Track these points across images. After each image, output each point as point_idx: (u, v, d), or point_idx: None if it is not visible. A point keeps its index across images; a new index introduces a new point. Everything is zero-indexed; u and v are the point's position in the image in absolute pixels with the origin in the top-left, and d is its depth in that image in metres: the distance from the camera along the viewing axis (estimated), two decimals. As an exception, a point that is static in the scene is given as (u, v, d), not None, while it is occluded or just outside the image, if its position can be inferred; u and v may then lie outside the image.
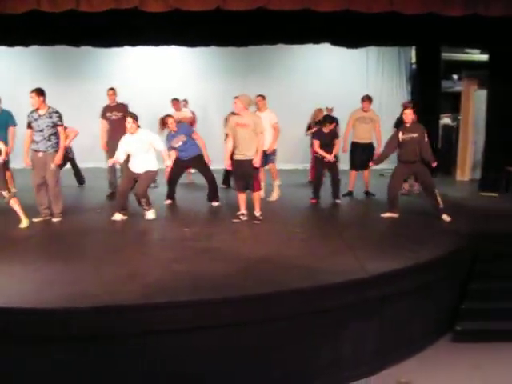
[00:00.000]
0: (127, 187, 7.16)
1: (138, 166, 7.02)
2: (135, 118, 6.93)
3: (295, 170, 12.21)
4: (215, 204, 8.08)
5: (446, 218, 6.95)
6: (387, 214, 7.22)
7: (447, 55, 11.86)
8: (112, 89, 8.73)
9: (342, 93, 11.55)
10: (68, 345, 3.98)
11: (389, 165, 12.39)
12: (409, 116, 7.05)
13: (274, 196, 8.56)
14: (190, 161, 8.20)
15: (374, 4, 6.86)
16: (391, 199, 7.26)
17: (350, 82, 12.43)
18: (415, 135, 6.99)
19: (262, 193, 7.39)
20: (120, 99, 8.79)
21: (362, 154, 8.76)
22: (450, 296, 5.90)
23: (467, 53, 12.36)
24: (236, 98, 7.00)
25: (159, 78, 12.57)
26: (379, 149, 8.64)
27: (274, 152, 8.54)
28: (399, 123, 9.60)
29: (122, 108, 8.58)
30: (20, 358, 3.97)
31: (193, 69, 12.76)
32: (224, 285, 4.49)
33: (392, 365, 5.04)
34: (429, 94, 10.94)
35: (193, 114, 10.88)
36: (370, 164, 8.01)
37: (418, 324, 5.42)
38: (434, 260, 5.38)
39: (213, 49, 10.69)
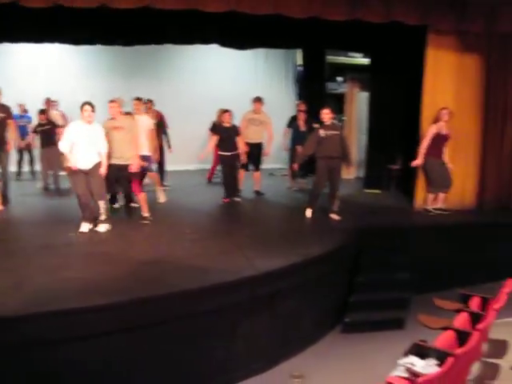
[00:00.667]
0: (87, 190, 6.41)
1: (86, 161, 6.30)
2: (93, 106, 6.29)
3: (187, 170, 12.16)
4: None
5: (334, 217, 7.18)
6: (309, 211, 7.28)
7: (332, 58, 12.31)
8: None
9: (233, 93, 11.58)
10: None
11: (279, 164, 12.77)
12: (327, 115, 7.18)
13: (161, 198, 8.38)
14: None
15: (259, 6, 6.99)
16: (315, 196, 7.33)
17: (240, 83, 12.52)
18: (336, 132, 7.15)
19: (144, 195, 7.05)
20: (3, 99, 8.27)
21: (252, 154, 8.84)
22: (339, 289, 6.12)
23: (351, 56, 12.89)
24: (112, 101, 6.79)
25: (39, 76, 11.94)
26: (269, 148, 8.84)
27: (149, 159, 7.95)
28: (292, 123, 9.89)
29: (5, 109, 8.08)
30: None
31: (74, 67, 12.28)
32: (113, 289, 4.37)
33: (286, 359, 5.15)
34: (314, 96, 11.28)
35: (63, 115, 10.53)
36: (294, 167, 8.14)
37: (309, 318, 5.57)
38: (322, 255, 5.56)
39: (98, 47, 10.36)
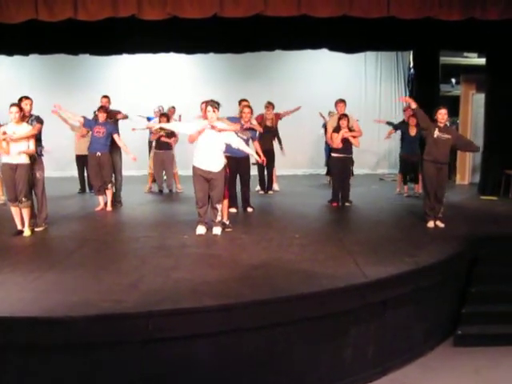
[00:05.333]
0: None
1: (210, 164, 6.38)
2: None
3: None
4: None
5: (439, 224, 6.91)
6: (431, 222, 6.92)
7: (445, 59, 11.91)
8: (106, 96, 8.76)
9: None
10: (68, 354, 3.97)
11: (389, 169, 12.55)
12: (444, 116, 6.85)
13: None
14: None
15: (371, 9, 6.88)
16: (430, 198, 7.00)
17: (349, 87, 12.42)
18: (449, 136, 6.83)
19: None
20: (114, 107, 8.83)
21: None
22: (451, 300, 5.89)
23: (465, 56, 12.40)
24: (205, 103, 6.67)
25: (156, 84, 12.59)
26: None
27: None
28: (400, 126, 9.65)
29: (114, 115, 8.62)
30: (21, 366, 3.96)
31: (189, 75, 12.80)
32: (223, 291, 4.47)
33: (393, 370, 5.02)
34: (427, 99, 10.91)
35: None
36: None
37: (419, 328, 5.40)
38: (435, 264, 5.36)
39: (211, 55, 10.74)
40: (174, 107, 10.87)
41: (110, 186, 8.23)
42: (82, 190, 10.14)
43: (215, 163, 6.35)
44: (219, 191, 6.43)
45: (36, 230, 6.73)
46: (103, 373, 4.04)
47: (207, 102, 6.39)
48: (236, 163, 7.54)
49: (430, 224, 6.90)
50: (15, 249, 6.06)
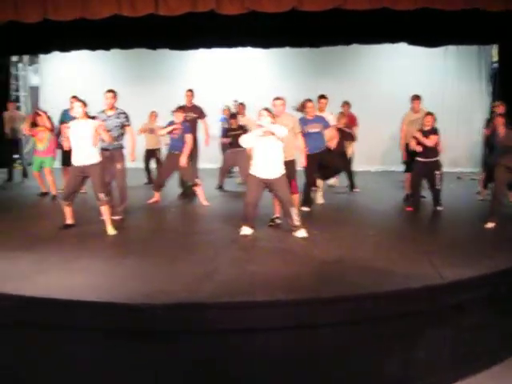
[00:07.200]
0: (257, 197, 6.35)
1: (270, 171, 6.20)
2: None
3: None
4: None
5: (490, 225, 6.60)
6: (489, 225, 6.63)
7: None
8: (190, 90, 8.90)
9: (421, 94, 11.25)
10: (143, 340, 4.07)
11: (467, 168, 12.08)
12: None
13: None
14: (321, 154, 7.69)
15: (455, 1, 6.64)
16: (496, 206, 6.72)
17: (429, 83, 12.00)
18: None
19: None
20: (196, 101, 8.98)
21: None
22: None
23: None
24: (277, 99, 6.66)
25: (232, 80, 12.70)
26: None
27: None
28: (489, 125, 9.16)
29: (197, 110, 8.74)
30: (97, 351, 4.10)
31: (265, 71, 12.85)
32: (296, 286, 4.48)
33: (466, 377, 4.84)
34: (512, 96, 10.45)
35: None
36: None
37: (496, 334, 5.18)
38: (515, 268, 5.14)
39: (286, 50, 10.74)
40: (242, 103, 10.93)
41: (198, 181, 8.26)
42: (149, 182, 10.33)
43: (273, 170, 6.16)
44: (285, 193, 6.22)
45: (113, 218, 6.76)
46: (176, 360, 4.11)
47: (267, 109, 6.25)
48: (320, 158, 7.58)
49: (491, 225, 6.64)
50: (94, 236, 6.28)
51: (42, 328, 4.07)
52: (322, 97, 8.33)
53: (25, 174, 11.19)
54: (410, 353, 4.63)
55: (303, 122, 7.35)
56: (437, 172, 7.62)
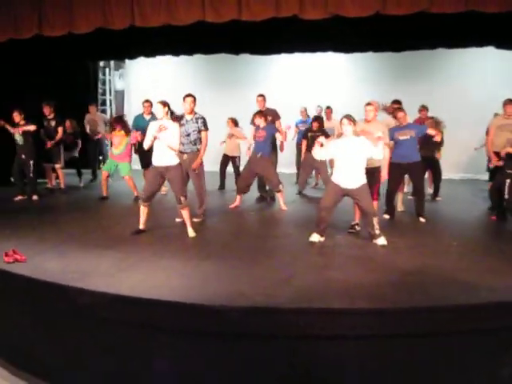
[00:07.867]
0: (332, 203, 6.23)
1: (351, 180, 6.05)
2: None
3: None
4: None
5: None
6: None
7: None
8: (261, 95, 8.89)
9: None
10: (219, 343, 4.12)
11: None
12: None
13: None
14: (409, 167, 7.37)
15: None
16: None
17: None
18: None
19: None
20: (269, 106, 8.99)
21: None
22: None
23: None
24: (369, 104, 6.70)
25: (312, 84, 12.68)
26: None
27: None
28: None
29: (271, 112, 8.74)
30: (175, 350, 4.18)
31: (346, 75, 12.74)
32: (376, 295, 4.41)
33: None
34: None
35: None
36: None
37: None
38: None
39: (364, 54, 10.62)
40: (329, 107, 10.87)
41: (281, 186, 8.23)
42: (222, 187, 10.42)
43: (355, 180, 6.00)
44: (368, 203, 6.08)
45: (194, 220, 6.92)
46: (250, 364, 4.11)
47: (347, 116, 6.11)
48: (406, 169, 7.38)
49: None
50: (174, 238, 6.44)
51: (124, 324, 4.22)
52: (396, 102, 8.16)
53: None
54: (494, 370, 4.44)
55: (395, 129, 7.25)
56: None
